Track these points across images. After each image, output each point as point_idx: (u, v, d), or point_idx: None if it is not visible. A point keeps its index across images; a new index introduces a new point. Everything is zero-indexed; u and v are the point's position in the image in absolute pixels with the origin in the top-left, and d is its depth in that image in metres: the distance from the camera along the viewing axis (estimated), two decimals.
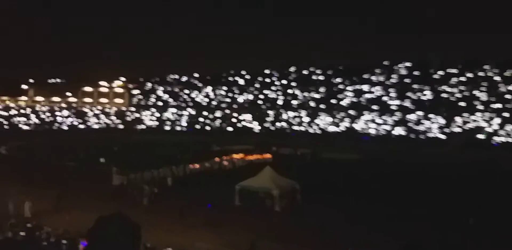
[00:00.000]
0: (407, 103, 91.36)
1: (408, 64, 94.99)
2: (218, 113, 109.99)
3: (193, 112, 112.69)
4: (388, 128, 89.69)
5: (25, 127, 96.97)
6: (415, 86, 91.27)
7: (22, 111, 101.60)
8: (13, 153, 54.88)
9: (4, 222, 19.90)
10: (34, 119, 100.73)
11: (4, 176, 33.52)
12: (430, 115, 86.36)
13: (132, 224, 2.08)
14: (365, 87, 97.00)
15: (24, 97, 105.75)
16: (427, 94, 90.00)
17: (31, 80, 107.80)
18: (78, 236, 17.17)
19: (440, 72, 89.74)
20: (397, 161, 48.36)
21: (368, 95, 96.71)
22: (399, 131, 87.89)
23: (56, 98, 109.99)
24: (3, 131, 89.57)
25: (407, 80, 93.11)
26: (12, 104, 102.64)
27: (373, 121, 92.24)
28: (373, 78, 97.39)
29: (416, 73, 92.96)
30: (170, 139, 76.04)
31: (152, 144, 65.40)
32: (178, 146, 62.30)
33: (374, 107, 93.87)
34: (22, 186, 30.11)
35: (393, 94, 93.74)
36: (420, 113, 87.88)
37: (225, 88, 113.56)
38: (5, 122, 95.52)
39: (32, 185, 30.39)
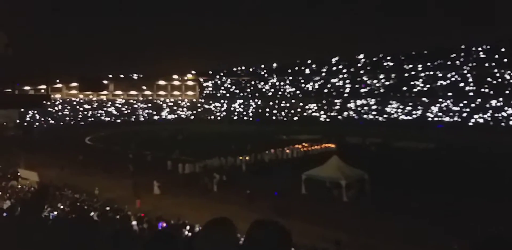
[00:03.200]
0: (486, 89, 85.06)
1: (487, 46, 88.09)
2: (284, 103, 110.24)
3: (260, 102, 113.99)
4: (464, 115, 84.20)
5: (106, 119, 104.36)
6: (495, 70, 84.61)
7: (103, 104, 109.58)
8: (96, 143, 59.53)
9: (90, 204, 21.95)
10: (114, 111, 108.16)
11: (88, 165, 36.70)
12: None
13: (281, 231, 2.17)
14: (440, 73, 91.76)
15: (105, 92, 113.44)
16: (509, 79, 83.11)
17: (110, 76, 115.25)
18: (156, 219, 18.48)
19: None
20: (476, 150, 45.28)
21: (443, 81, 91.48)
22: (477, 118, 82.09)
23: (133, 92, 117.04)
24: (87, 122, 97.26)
25: (486, 64, 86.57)
26: (94, 98, 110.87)
27: (448, 108, 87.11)
28: (449, 63, 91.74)
29: (496, 56, 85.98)
30: (238, 129, 77.72)
31: (221, 134, 67.34)
32: (246, 135, 63.58)
33: (449, 94, 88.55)
34: (103, 173, 32.79)
35: (470, 80, 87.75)
36: (500, 99, 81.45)
37: (291, 78, 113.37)
38: (89, 114, 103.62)
39: (112, 173, 32.92)
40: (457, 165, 35.22)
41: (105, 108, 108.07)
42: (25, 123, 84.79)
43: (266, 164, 38.30)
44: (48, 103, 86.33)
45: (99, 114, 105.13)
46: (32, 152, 42.67)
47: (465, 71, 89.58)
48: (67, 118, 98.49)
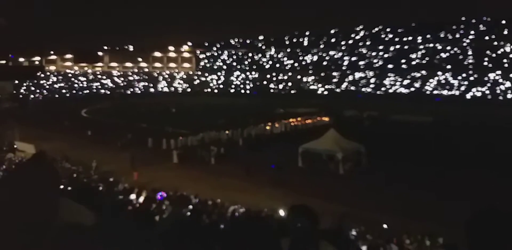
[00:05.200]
0: (485, 62, 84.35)
1: (487, 19, 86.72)
2: (282, 76, 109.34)
3: (257, 75, 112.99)
4: (463, 88, 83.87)
5: (102, 91, 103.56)
6: (495, 43, 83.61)
7: (99, 76, 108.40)
8: (91, 116, 59.28)
9: (88, 176, 22.03)
10: (109, 84, 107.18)
11: (83, 137, 36.65)
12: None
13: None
14: (440, 46, 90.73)
15: (100, 64, 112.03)
16: (508, 52, 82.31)
17: (105, 47, 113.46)
18: (152, 191, 18.58)
19: None
20: (474, 123, 45.32)
21: (442, 54, 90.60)
22: (475, 92, 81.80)
23: (128, 64, 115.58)
24: (83, 95, 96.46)
25: (486, 37, 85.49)
26: (89, 70, 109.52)
27: (447, 81, 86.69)
28: (449, 35, 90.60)
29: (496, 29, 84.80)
30: (235, 101, 77.29)
31: (218, 107, 67.01)
32: (243, 108, 63.33)
33: (448, 66, 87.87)
34: (99, 145, 32.73)
35: (470, 53, 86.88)
36: (499, 72, 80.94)
37: (289, 50, 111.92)
38: (84, 87, 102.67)
39: (108, 145, 32.80)
40: (454, 138, 35.36)
41: (100, 81, 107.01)
42: (20, 96, 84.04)
43: (262, 137, 38.16)
44: (42, 75, 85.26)
45: (94, 87, 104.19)
46: (28, 125, 42.46)
47: (465, 44, 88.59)
48: (63, 90, 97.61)
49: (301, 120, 47.60)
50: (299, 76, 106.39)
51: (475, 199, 16.99)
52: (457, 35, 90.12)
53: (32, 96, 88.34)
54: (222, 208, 16.14)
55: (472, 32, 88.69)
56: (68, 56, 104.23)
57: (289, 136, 38.63)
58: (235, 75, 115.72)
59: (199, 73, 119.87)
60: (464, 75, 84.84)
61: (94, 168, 24.89)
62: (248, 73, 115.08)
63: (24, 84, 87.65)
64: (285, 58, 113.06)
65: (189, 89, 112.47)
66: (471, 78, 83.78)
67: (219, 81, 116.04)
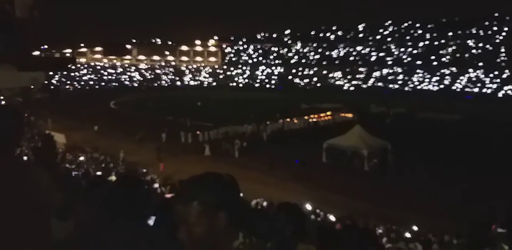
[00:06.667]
0: None
1: None
2: (307, 71, 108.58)
3: (282, 70, 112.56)
4: (494, 86, 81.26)
5: (130, 84, 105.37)
6: None
7: (127, 69, 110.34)
8: (119, 108, 60.45)
9: (115, 166, 22.59)
10: (137, 76, 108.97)
11: (112, 128, 37.47)
12: None
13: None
14: (471, 42, 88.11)
15: (128, 56, 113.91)
16: None
17: (134, 41, 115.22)
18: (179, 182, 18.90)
19: None
20: (505, 122, 43.87)
21: (474, 51, 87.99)
22: (507, 90, 79.08)
23: (156, 57, 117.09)
24: (112, 87, 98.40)
25: None
26: (118, 63, 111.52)
27: (478, 79, 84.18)
28: (481, 32, 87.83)
29: None
30: (260, 96, 77.25)
31: (243, 101, 67.14)
32: (268, 103, 63.29)
33: (480, 64, 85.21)
34: (127, 137, 33.32)
35: (502, 50, 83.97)
36: None
37: (315, 45, 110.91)
38: (113, 79, 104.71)
39: (135, 137, 33.29)
40: (484, 138, 34.34)
41: (128, 73, 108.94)
42: (52, 87, 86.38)
43: (284, 133, 37.91)
44: (74, 66, 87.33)
45: (123, 79, 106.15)
46: (59, 115, 43.70)
47: (498, 41, 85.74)
48: (92, 82, 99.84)
49: (324, 116, 47.00)
50: (325, 72, 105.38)
51: (505, 200, 16.54)
52: (489, 32, 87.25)
53: (63, 87, 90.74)
54: (245, 201, 16.29)
55: (506, 28, 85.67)
56: (98, 49, 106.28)
57: (313, 131, 38.37)
58: (261, 70, 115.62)
59: (225, 67, 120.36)
60: (496, 72, 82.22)
61: (122, 159, 25.47)
62: (273, 67, 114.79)
63: (56, 75, 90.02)
64: (311, 53, 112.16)
65: (214, 83, 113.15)
66: (504, 76, 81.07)
67: (245, 76, 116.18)
